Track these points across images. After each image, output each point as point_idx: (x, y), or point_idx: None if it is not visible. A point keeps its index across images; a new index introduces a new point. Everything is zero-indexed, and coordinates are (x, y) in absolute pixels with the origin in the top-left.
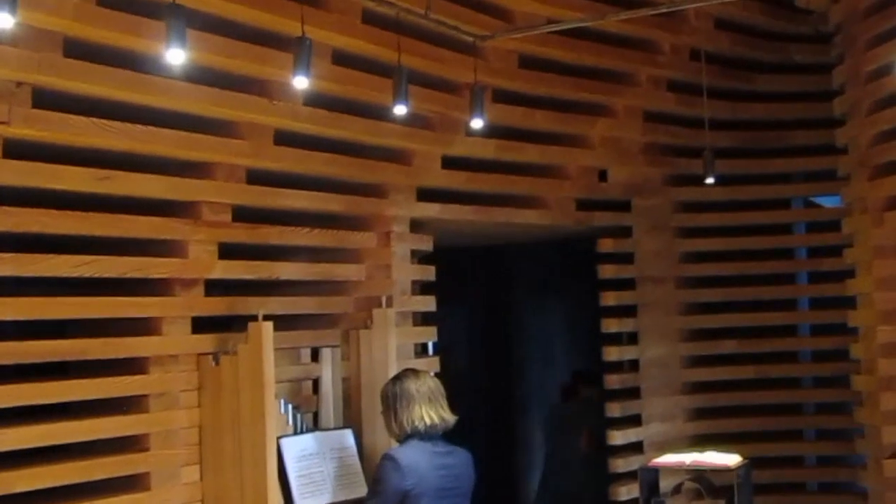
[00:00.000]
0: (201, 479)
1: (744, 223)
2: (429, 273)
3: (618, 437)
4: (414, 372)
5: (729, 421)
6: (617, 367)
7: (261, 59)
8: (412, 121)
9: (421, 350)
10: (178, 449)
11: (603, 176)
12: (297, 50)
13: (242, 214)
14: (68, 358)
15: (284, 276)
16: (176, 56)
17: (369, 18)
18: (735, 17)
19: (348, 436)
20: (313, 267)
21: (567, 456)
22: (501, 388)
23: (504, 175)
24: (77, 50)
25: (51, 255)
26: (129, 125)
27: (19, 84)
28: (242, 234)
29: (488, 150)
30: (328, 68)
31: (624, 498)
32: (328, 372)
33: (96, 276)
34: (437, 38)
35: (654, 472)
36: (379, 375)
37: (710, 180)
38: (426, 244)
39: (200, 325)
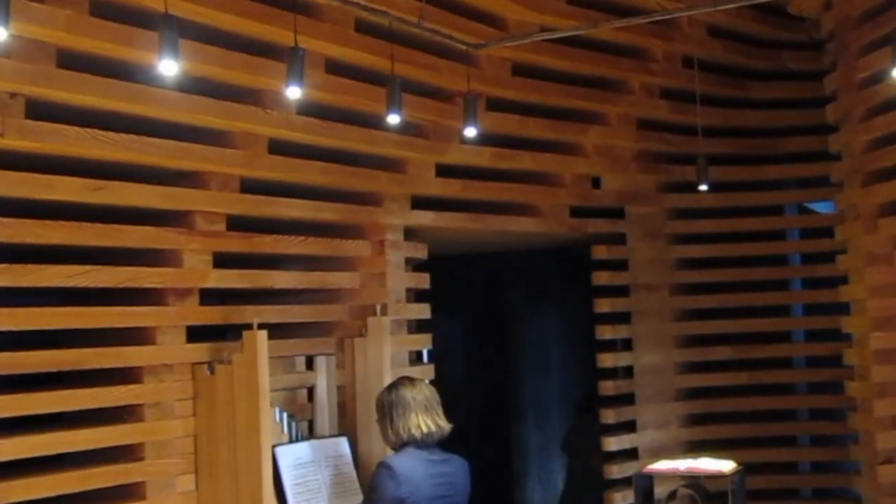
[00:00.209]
0: (197, 488)
1: (737, 230)
2: (423, 281)
3: (612, 444)
4: (409, 380)
5: (723, 427)
6: (611, 373)
7: (254, 68)
8: (406, 129)
9: (416, 358)
10: (173, 458)
11: (596, 183)
12: (290, 60)
13: (237, 224)
14: (63, 368)
15: (279, 285)
16: (169, 67)
17: (362, 28)
18: (728, 24)
19: (343, 444)
20: (308, 275)
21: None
22: (497, 394)
23: (498, 183)
24: (70, 61)
25: (45, 266)
26: (122, 135)
27: (13, 95)
28: (237, 244)
29: (482, 158)
30: (322, 78)
31: None
32: (323, 380)
33: (91, 286)
34: (431, 46)
35: (649, 479)
36: (374, 383)
37: (703, 187)
38: (420, 252)
39: (195, 334)
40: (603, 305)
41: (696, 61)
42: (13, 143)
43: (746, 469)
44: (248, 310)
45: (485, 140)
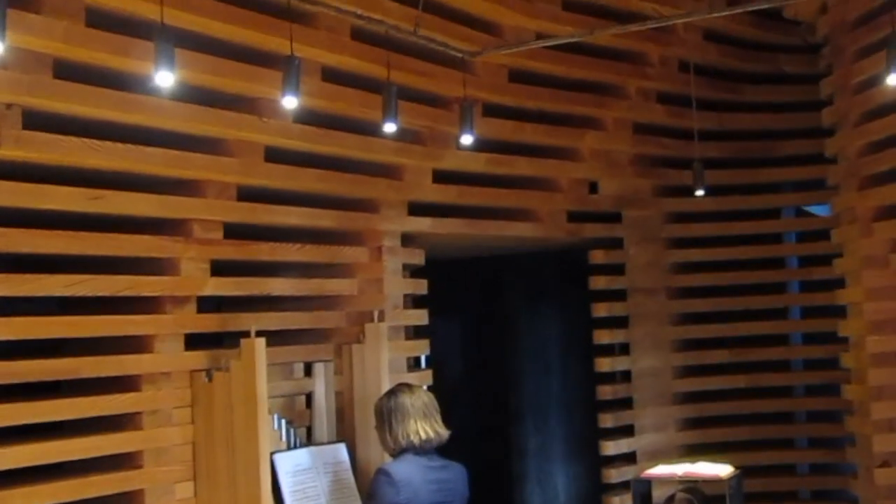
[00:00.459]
0: (195, 495)
1: (734, 233)
2: (421, 287)
3: (610, 448)
4: (408, 386)
5: (721, 430)
6: (609, 377)
7: (250, 76)
8: (403, 136)
9: (414, 363)
10: (171, 466)
11: (593, 188)
12: (286, 70)
13: (234, 231)
14: (61, 377)
15: (276, 292)
16: (165, 79)
17: (358, 35)
18: (723, 28)
19: (342, 450)
20: (305, 282)
21: None
22: (495, 397)
23: (495, 188)
24: (67, 71)
25: (43, 275)
26: (119, 145)
27: (10, 106)
28: (234, 251)
29: (479, 163)
30: (318, 85)
31: None
32: (321, 387)
33: (89, 294)
34: (427, 53)
35: (647, 484)
36: (372, 389)
37: (699, 192)
38: (418, 258)
39: (193, 341)
40: (600, 309)
41: (692, 65)
42: (10, 153)
43: (745, 471)
44: (245, 317)
45: (481, 146)
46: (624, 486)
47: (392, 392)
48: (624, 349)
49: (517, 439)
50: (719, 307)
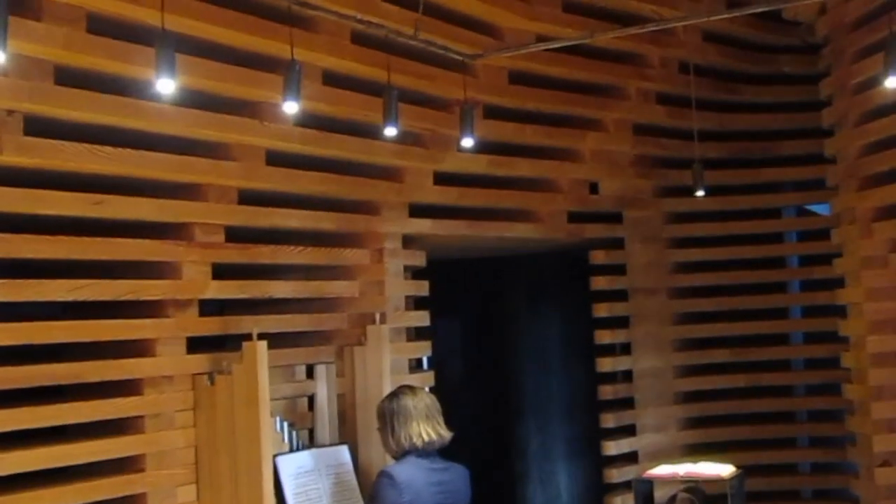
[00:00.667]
0: (198, 498)
1: (734, 233)
2: (422, 288)
3: (612, 448)
4: (410, 388)
5: (722, 430)
6: (610, 378)
7: (251, 81)
8: (403, 138)
9: (415, 365)
10: (174, 469)
11: (594, 189)
12: (287, 75)
13: (235, 234)
14: (64, 382)
15: (278, 295)
16: (166, 86)
17: (359, 39)
18: (723, 29)
19: (344, 452)
20: (306, 285)
21: None
22: (497, 397)
23: (496, 190)
24: (68, 77)
25: (45, 281)
26: (120, 150)
27: (11, 112)
28: (235, 254)
29: (480, 165)
30: (318, 89)
31: None
32: (323, 389)
33: (91, 299)
34: (427, 56)
35: (649, 484)
36: (374, 391)
37: (699, 193)
38: (419, 260)
39: (195, 345)
40: (601, 310)
41: (691, 66)
42: (12, 159)
43: (746, 470)
44: (247, 320)
45: (482, 147)
46: (626, 486)
47: (394, 394)
48: (625, 349)
49: (519, 439)
50: (720, 307)
